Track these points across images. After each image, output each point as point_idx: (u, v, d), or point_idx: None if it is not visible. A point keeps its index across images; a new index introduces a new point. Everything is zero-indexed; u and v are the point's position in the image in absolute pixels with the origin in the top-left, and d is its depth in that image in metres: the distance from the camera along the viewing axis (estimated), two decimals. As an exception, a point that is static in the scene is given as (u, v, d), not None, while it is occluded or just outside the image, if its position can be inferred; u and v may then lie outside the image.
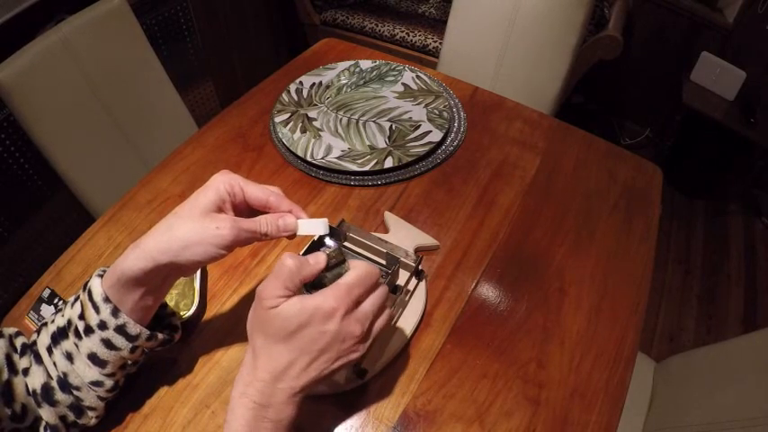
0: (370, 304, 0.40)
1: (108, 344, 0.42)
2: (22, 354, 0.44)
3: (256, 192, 0.44)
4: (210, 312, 0.60)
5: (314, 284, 0.41)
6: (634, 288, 0.63)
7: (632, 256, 0.66)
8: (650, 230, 0.70)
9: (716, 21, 1.76)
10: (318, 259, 0.41)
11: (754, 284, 1.68)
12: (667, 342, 1.52)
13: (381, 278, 0.52)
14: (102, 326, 0.42)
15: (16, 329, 0.47)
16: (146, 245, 0.40)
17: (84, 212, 0.99)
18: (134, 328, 0.43)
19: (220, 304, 0.61)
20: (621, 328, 0.58)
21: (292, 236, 0.44)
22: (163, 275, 0.42)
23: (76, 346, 0.43)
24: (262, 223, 0.42)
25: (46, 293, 0.60)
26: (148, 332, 0.44)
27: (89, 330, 0.42)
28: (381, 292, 0.41)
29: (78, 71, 0.93)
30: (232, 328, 0.58)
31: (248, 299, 0.61)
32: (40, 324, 0.47)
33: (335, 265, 0.42)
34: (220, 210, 0.42)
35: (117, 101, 1.00)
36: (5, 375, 0.42)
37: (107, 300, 0.41)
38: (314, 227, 0.43)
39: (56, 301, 0.60)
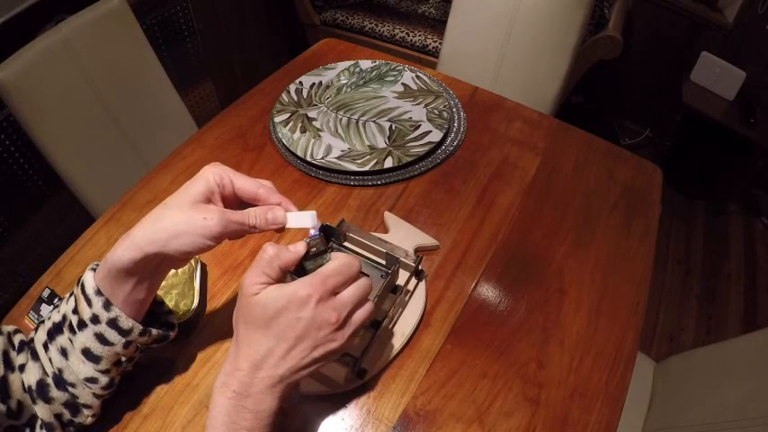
0: (348, 294, 0.39)
1: (101, 338, 0.42)
2: (20, 350, 0.44)
3: (246, 184, 0.44)
4: (210, 312, 0.60)
5: (297, 275, 0.41)
6: (634, 288, 0.63)
7: (632, 255, 0.66)
8: (650, 230, 0.70)
9: (716, 21, 1.76)
10: (298, 247, 0.41)
11: (754, 284, 1.68)
12: (667, 342, 1.52)
13: (380, 277, 0.53)
14: (95, 320, 0.42)
15: (15, 327, 0.47)
16: (134, 235, 0.40)
17: (84, 212, 1.00)
18: (126, 322, 0.43)
19: (220, 304, 0.61)
20: (621, 328, 0.58)
21: (281, 229, 0.44)
22: (152, 266, 0.42)
23: (71, 341, 0.43)
24: (250, 215, 0.42)
25: (46, 293, 0.60)
26: (141, 327, 0.44)
27: (82, 325, 0.42)
28: (362, 283, 0.41)
29: (78, 71, 0.93)
30: (231, 328, 0.58)
31: (248, 299, 0.61)
32: (38, 322, 0.47)
33: (317, 255, 0.43)
34: (209, 201, 0.42)
35: (117, 101, 1.00)
36: (1, 372, 0.42)
37: (99, 292, 0.42)
38: (303, 219, 0.43)
39: (55, 301, 0.60)
